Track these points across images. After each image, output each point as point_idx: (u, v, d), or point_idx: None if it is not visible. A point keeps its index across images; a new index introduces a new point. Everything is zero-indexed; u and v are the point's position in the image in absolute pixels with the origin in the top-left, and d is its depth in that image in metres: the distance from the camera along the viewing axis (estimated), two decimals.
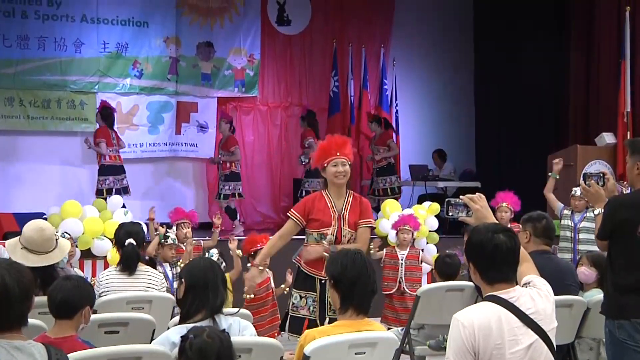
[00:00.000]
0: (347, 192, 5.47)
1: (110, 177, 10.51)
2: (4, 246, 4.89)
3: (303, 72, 13.15)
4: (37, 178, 11.12)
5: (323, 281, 5.21)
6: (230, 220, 11.22)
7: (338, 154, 5.40)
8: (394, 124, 13.18)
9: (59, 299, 3.67)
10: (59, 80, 11.54)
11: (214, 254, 6.83)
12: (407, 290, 7.67)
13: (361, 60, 13.13)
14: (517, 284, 3.27)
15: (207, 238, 8.26)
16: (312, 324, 5.20)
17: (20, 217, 8.39)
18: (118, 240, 5.68)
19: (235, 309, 3.97)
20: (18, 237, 4.71)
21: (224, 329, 3.26)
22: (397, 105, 13.31)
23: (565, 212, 8.03)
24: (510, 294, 3.18)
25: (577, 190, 7.83)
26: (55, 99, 11.55)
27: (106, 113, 10.72)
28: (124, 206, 9.60)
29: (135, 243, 5.52)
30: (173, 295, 5.55)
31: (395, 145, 12.22)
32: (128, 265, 5.52)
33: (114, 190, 10.38)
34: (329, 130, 12.93)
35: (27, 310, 2.65)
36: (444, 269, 6.52)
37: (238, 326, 3.74)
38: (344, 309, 3.62)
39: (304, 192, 11.21)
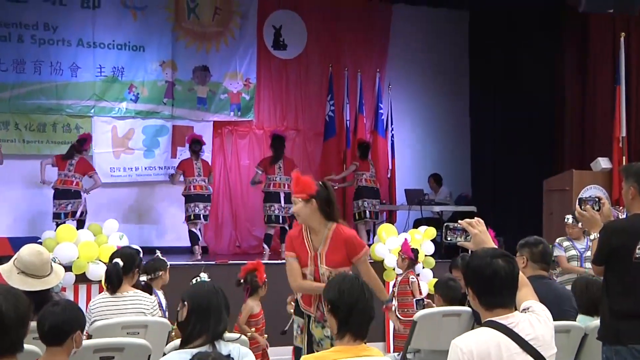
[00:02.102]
0: (327, 226, 5.14)
1: (64, 201, 10.40)
2: None
3: (299, 96, 13.18)
4: (31, 202, 11.09)
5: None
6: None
7: (294, 193, 5.20)
8: (389, 149, 13.21)
9: (48, 326, 3.61)
10: (54, 104, 11.56)
11: (205, 278, 6.78)
12: (399, 316, 7.64)
13: (357, 84, 13.16)
14: (516, 309, 3.25)
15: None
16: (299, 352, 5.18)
17: (15, 242, 8.36)
18: (110, 262, 5.66)
19: (237, 335, 3.92)
20: (12, 262, 4.68)
21: (229, 355, 3.22)
22: (392, 129, 13.34)
23: (566, 243, 7.96)
24: (509, 319, 3.16)
25: (569, 218, 7.82)
26: (51, 122, 11.57)
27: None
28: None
29: (121, 263, 5.49)
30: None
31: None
32: (110, 283, 5.48)
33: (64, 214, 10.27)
34: (324, 155, 13.01)
35: (23, 336, 2.63)
36: (448, 293, 6.41)
37: (238, 353, 3.68)
38: (342, 334, 3.57)
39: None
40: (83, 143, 10.83)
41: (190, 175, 11.12)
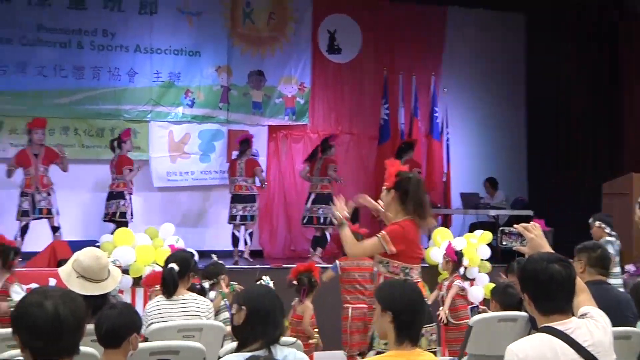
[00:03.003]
0: (399, 219, 5.13)
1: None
2: (56, 276, 4.94)
3: (353, 100, 13.17)
4: (91, 206, 11.25)
5: None
6: None
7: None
8: (444, 152, 13.13)
9: (105, 329, 3.64)
10: (112, 110, 11.73)
11: (268, 281, 6.79)
12: (450, 320, 7.59)
13: (411, 88, 13.11)
14: (573, 315, 3.20)
15: None
16: None
17: (74, 245, 8.45)
18: (165, 266, 5.70)
19: (292, 339, 3.91)
20: (71, 265, 4.73)
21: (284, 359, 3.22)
22: (448, 133, 13.25)
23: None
24: (566, 325, 3.11)
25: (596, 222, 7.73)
26: (109, 127, 11.73)
27: None
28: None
29: (177, 268, 5.53)
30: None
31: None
32: (166, 288, 5.53)
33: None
34: (379, 159, 12.92)
35: (80, 339, 2.64)
36: (505, 299, 6.29)
37: (294, 358, 3.65)
38: (401, 340, 3.53)
39: None
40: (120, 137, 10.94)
41: (233, 175, 11.16)
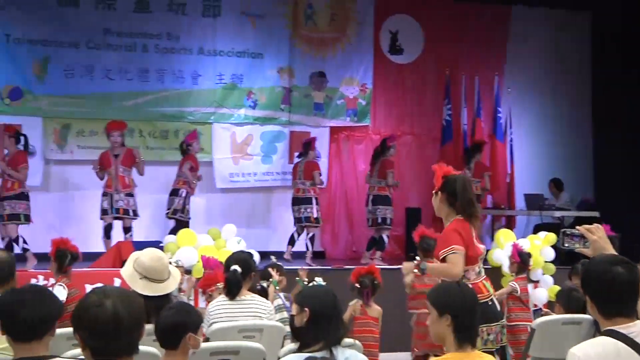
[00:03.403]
0: (449, 219, 5.19)
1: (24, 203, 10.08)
2: (121, 277, 5.00)
3: (415, 100, 13.10)
4: (154, 207, 11.41)
5: None
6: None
7: None
8: (508, 153, 12.98)
9: (160, 329, 3.68)
10: (176, 112, 11.86)
11: (320, 282, 6.77)
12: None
13: (474, 88, 12.98)
14: (637, 318, 3.13)
15: None
16: None
17: (139, 246, 8.57)
18: (227, 267, 5.75)
19: (352, 340, 3.90)
20: (132, 266, 4.79)
21: None
22: (511, 133, 13.09)
23: None
24: (630, 328, 3.03)
25: None
26: (173, 129, 11.88)
27: (19, 136, 10.24)
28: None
29: (240, 270, 5.57)
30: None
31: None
32: (230, 291, 5.57)
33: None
34: (441, 160, 12.81)
35: (138, 339, 2.66)
36: (570, 303, 6.16)
37: (355, 359, 3.66)
38: (460, 343, 3.48)
39: None
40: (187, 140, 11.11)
41: (294, 177, 11.25)
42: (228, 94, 12.07)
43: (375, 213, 11.18)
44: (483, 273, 5.26)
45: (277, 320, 5.72)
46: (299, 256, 11.08)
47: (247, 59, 12.16)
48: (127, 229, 10.34)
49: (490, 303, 5.12)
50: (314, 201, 11.07)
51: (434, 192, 5.26)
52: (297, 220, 11.10)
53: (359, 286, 6.98)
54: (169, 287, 4.83)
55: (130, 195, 10.35)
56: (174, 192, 10.82)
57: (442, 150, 12.87)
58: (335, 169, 12.64)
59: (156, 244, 8.52)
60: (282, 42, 12.32)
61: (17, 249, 9.57)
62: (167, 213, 10.79)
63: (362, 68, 12.70)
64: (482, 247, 5.26)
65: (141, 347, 2.79)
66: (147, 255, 4.82)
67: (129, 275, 4.76)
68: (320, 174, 11.24)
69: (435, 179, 5.25)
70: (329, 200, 12.47)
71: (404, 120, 13.08)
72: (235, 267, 5.58)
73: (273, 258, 7.47)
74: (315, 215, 11.04)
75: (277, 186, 12.31)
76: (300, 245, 11.26)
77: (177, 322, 3.66)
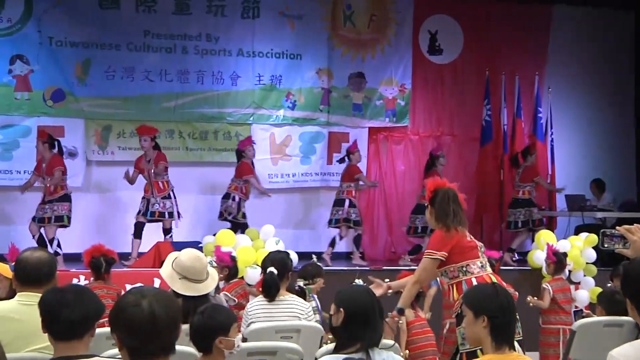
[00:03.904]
0: None
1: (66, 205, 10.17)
2: (160, 277, 5.03)
3: (454, 101, 13.02)
4: (193, 207, 11.48)
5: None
6: None
7: None
8: (549, 153, 12.84)
9: (193, 331, 3.68)
10: (216, 113, 11.91)
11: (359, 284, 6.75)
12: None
13: (514, 88, 12.86)
14: None
15: None
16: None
17: (178, 246, 8.63)
18: (263, 268, 5.76)
19: (391, 342, 3.87)
20: (171, 266, 4.82)
21: None
22: (552, 133, 12.95)
23: None
24: None
25: None
26: (213, 130, 11.94)
27: (53, 141, 10.32)
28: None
29: (276, 271, 5.58)
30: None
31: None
32: (267, 292, 5.58)
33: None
34: (481, 160, 12.78)
35: (175, 339, 2.67)
36: (611, 307, 6.05)
37: None
38: (498, 345, 3.45)
39: None
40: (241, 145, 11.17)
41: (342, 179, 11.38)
42: (267, 95, 12.10)
43: (415, 222, 11.30)
44: (489, 267, 5.40)
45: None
46: (336, 258, 11.10)
47: (286, 60, 12.17)
48: (166, 230, 10.41)
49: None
50: (346, 203, 11.13)
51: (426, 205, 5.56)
52: (329, 222, 11.23)
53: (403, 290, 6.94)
54: (207, 287, 4.86)
55: (167, 197, 10.38)
56: (226, 196, 10.89)
57: (482, 151, 12.78)
58: (374, 170, 12.61)
59: (195, 245, 8.58)
60: (321, 43, 12.32)
61: (49, 250, 9.63)
62: (220, 216, 10.83)
63: (401, 68, 12.65)
64: (477, 241, 5.46)
65: (178, 347, 2.80)
66: (186, 255, 4.85)
67: (168, 275, 4.79)
68: (356, 177, 11.32)
69: (427, 193, 5.55)
70: (368, 201, 12.44)
71: (443, 121, 13.01)
72: (272, 268, 5.59)
73: (314, 258, 7.48)
74: (344, 216, 11.10)
75: (316, 187, 12.31)
76: (340, 247, 11.29)
77: (205, 327, 3.66)
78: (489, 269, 5.35)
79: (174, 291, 4.77)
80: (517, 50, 13.12)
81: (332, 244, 11.19)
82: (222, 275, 7.09)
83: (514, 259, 11.43)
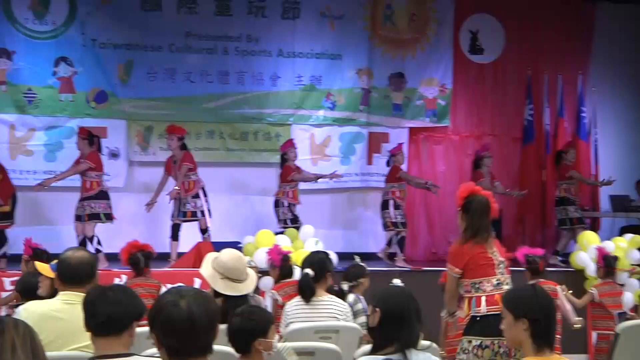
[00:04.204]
0: None
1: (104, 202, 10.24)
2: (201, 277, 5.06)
3: (496, 100, 12.92)
4: (233, 208, 11.52)
5: None
6: None
7: None
8: (592, 153, 12.70)
9: (230, 333, 3.67)
10: (256, 114, 11.94)
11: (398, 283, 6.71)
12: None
13: (557, 88, 12.73)
14: None
15: None
16: None
17: (218, 246, 8.68)
18: (302, 269, 5.77)
19: (427, 342, 3.85)
20: (211, 266, 4.84)
21: None
22: (596, 133, 12.81)
23: None
24: None
25: None
26: (253, 131, 11.98)
27: (92, 138, 10.34)
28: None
29: (311, 273, 5.57)
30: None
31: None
32: (302, 293, 5.59)
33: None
34: (522, 160, 12.68)
35: (213, 339, 2.69)
36: None
37: None
38: (539, 348, 3.41)
39: None
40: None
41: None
42: (307, 96, 12.11)
43: None
44: (506, 285, 5.33)
45: (359, 325, 5.68)
46: (377, 258, 11.10)
47: (326, 60, 12.17)
48: (203, 230, 10.44)
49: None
50: (390, 205, 11.15)
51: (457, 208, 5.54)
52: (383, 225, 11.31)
53: None
54: (247, 287, 4.88)
55: (196, 197, 10.41)
56: (277, 203, 10.92)
57: (523, 151, 12.69)
58: (414, 170, 12.54)
59: (235, 245, 8.61)
60: (361, 43, 12.30)
61: (90, 248, 9.74)
62: (279, 225, 10.83)
63: (442, 68, 12.59)
64: (498, 257, 5.38)
65: (216, 347, 2.82)
66: (228, 255, 4.87)
67: (209, 275, 4.81)
68: (398, 176, 11.29)
69: (459, 197, 5.54)
70: (408, 201, 12.37)
71: (484, 121, 12.91)
72: (308, 270, 5.59)
73: (357, 258, 7.46)
74: (391, 219, 11.10)
75: (356, 187, 12.30)
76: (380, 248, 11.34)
77: (243, 329, 3.65)
78: (506, 287, 5.29)
79: (214, 291, 4.80)
80: (559, 49, 12.97)
81: (389, 243, 11.24)
82: (273, 274, 7.13)
83: (559, 259, 11.32)
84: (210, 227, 10.40)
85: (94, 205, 10.07)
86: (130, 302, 3.21)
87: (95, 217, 10.07)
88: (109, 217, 10.18)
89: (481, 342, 5.20)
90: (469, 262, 5.33)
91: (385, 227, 11.20)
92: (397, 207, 11.17)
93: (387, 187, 11.32)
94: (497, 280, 5.29)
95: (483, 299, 5.25)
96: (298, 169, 10.99)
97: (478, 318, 5.25)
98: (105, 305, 3.15)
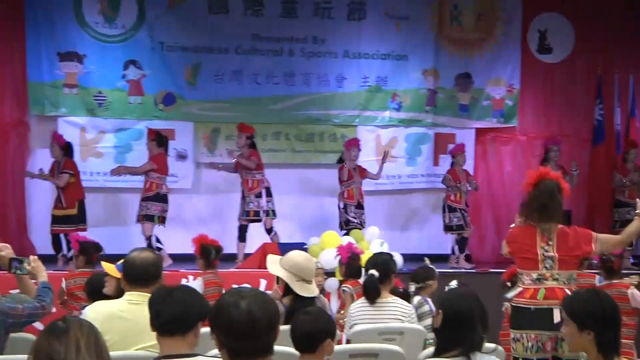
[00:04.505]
0: None
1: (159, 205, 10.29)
2: (266, 277, 5.09)
3: (564, 101, 12.69)
4: (299, 209, 11.57)
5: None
6: None
7: None
8: None
9: (298, 334, 3.62)
10: (322, 115, 11.97)
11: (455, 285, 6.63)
12: None
13: (628, 87, 12.46)
14: None
15: None
16: None
17: (284, 247, 8.72)
18: (366, 270, 5.75)
19: (493, 345, 3.80)
20: (283, 267, 4.87)
21: None
22: None
23: None
24: None
25: None
26: (319, 132, 12.01)
27: (161, 139, 10.45)
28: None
29: (376, 274, 5.55)
30: None
31: None
32: (368, 295, 5.57)
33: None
34: (592, 161, 12.44)
35: (273, 340, 2.70)
36: None
37: None
38: (607, 354, 3.34)
39: None
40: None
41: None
42: (372, 97, 12.09)
43: None
44: (552, 281, 5.23)
45: (424, 327, 5.64)
46: (444, 259, 11.03)
47: (392, 61, 12.13)
48: (268, 230, 10.50)
49: (533, 309, 5.16)
50: (444, 207, 11.17)
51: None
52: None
53: (509, 285, 6.83)
54: (316, 288, 4.92)
55: (259, 196, 10.46)
56: (338, 206, 10.94)
57: (593, 152, 12.45)
58: (481, 171, 12.43)
59: (301, 246, 8.67)
60: (427, 43, 12.22)
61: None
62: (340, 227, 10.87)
63: (509, 68, 12.44)
64: (549, 252, 5.24)
65: (278, 348, 2.82)
66: (301, 256, 4.92)
67: (285, 276, 4.82)
68: (449, 179, 11.21)
69: (527, 182, 5.46)
70: (475, 202, 12.29)
71: (553, 121, 12.70)
72: (373, 271, 5.58)
73: (427, 260, 7.42)
74: (446, 222, 11.14)
75: (422, 188, 12.23)
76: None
77: (318, 329, 3.59)
78: (550, 283, 5.21)
79: (284, 291, 4.84)
80: (630, 48, 12.68)
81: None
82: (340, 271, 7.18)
83: (631, 261, 11.09)
84: (275, 228, 10.46)
85: (150, 207, 10.20)
86: (196, 303, 3.24)
87: (149, 218, 10.20)
88: (161, 221, 10.27)
89: (514, 335, 5.20)
90: (518, 250, 5.36)
91: (444, 230, 11.18)
92: (451, 210, 11.08)
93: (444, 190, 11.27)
94: (538, 275, 5.22)
95: (518, 290, 5.30)
96: (348, 170, 10.93)
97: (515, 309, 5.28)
98: (171, 305, 3.18)
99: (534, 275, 5.23)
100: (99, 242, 7.69)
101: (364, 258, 8.66)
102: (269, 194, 10.47)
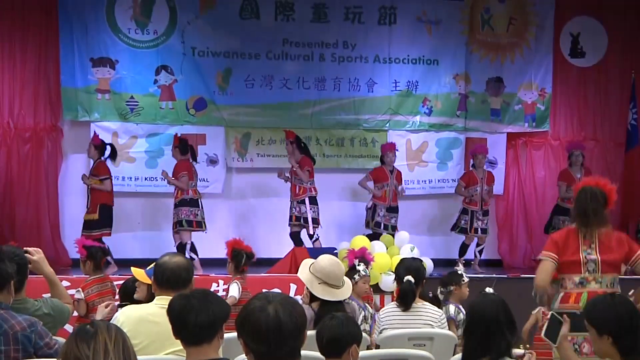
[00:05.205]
0: None
1: (185, 209, 10.29)
2: (296, 282, 5.10)
3: (598, 105, 12.58)
4: (329, 214, 11.55)
5: None
6: None
7: None
8: None
9: (326, 339, 3.61)
10: (352, 119, 11.98)
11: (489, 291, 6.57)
12: None
13: None
14: None
15: None
16: None
17: (313, 252, 8.73)
18: (397, 275, 5.73)
19: (521, 351, 3.78)
20: (309, 271, 4.88)
21: None
22: None
23: None
24: None
25: None
26: (349, 137, 12.01)
27: (184, 146, 10.45)
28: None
29: (413, 280, 5.53)
30: None
31: None
32: (404, 301, 5.55)
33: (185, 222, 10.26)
34: (627, 166, 12.30)
35: (300, 344, 2.70)
36: None
37: None
38: (632, 358, 3.31)
39: None
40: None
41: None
42: (403, 101, 12.07)
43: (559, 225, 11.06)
44: (594, 284, 5.15)
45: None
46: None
47: (423, 65, 12.10)
48: (310, 236, 10.51)
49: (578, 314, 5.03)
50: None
51: None
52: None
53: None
54: (344, 293, 4.91)
55: (302, 202, 10.48)
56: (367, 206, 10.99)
57: (627, 156, 12.32)
58: (513, 176, 12.37)
59: (331, 251, 8.68)
60: (458, 48, 12.18)
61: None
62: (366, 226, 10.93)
63: (541, 72, 12.36)
64: (592, 255, 5.15)
65: (304, 352, 2.82)
66: (326, 260, 4.92)
67: (307, 279, 4.84)
68: (463, 187, 11.20)
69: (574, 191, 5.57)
70: (507, 207, 12.24)
71: (586, 126, 12.60)
72: (409, 277, 5.55)
73: (460, 265, 7.38)
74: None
75: (453, 193, 12.16)
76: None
77: (343, 334, 3.59)
78: (593, 286, 5.13)
79: (311, 296, 4.84)
80: None
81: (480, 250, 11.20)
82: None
83: None
84: (316, 234, 10.51)
85: (176, 213, 10.24)
86: (217, 307, 3.20)
87: (179, 224, 10.24)
88: (190, 224, 10.25)
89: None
90: (560, 254, 5.23)
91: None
92: (464, 211, 11.11)
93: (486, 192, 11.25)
94: (581, 278, 5.16)
95: (559, 296, 5.24)
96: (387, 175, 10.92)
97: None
98: (192, 315, 3.14)
99: (576, 279, 5.18)
100: (107, 246, 7.68)
101: (393, 263, 8.68)
102: (312, 201, 10.49)
